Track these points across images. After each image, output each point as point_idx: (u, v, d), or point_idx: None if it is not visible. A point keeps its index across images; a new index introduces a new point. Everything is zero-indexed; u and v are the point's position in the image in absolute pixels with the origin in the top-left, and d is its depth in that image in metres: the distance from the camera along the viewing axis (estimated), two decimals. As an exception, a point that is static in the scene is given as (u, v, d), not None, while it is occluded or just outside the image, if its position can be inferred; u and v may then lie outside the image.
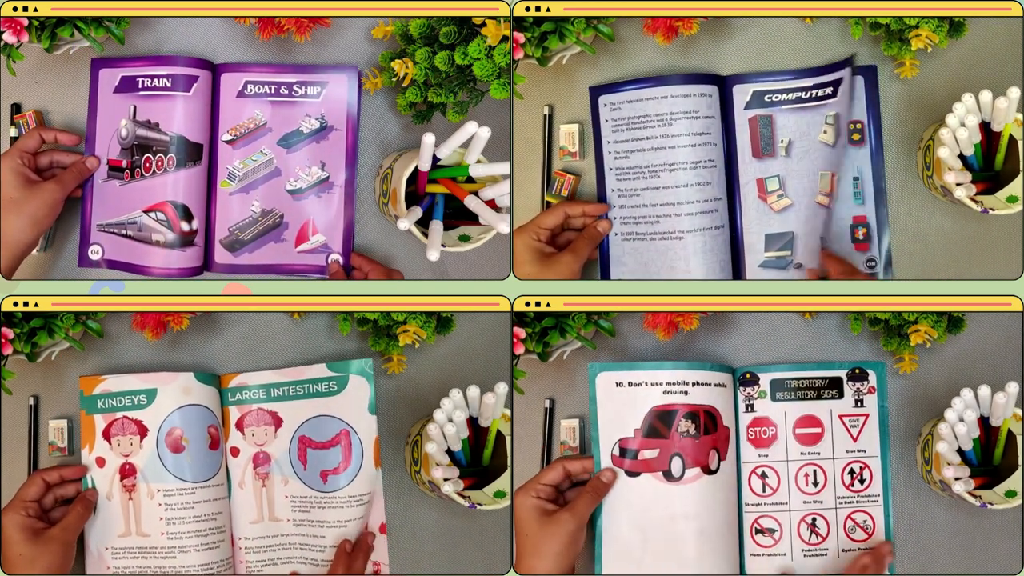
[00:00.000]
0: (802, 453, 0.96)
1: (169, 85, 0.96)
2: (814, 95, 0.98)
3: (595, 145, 0.99)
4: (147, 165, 0.95)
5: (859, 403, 0.97)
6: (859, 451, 0.97)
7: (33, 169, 0.95)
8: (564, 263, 0.94)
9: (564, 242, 0.98)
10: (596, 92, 0.99)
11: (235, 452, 0.97)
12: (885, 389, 0.98)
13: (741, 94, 0.98)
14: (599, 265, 1.00)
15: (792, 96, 0.98)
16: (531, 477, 0.93)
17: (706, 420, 0.94)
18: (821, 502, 0.96)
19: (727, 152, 0.98)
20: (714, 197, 0.97)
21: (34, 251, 0.97)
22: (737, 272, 0.99)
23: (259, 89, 0.98)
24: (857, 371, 0.97)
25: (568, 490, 0.94)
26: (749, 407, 0.97)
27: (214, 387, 0.97)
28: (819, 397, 0.97)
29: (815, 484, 0.96)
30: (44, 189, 0.93)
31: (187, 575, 0.93)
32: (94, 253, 0.97)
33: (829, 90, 0.98)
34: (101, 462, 0.94)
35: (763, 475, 0.96)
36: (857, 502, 0.97)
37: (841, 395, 0.97)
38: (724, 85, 0.98)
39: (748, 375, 0.97)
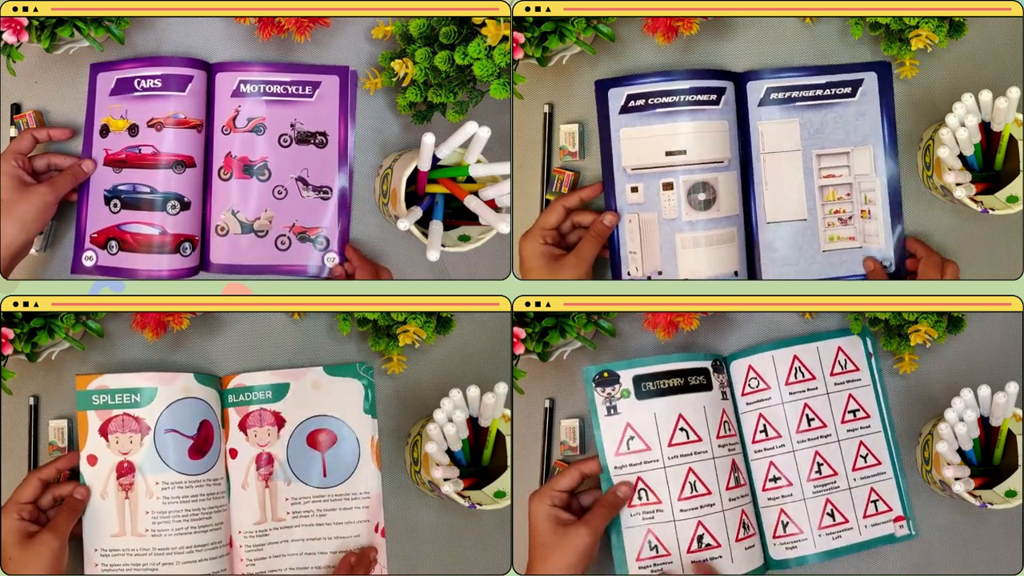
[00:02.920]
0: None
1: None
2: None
3: (601, 140, 0.98)
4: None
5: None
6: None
7: (29, 171, 0.94)
8: (569, 266, 0.93)
9: (576, 240, 0.96)
10: (604, 85, 0.97)
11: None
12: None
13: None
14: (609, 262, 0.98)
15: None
16: (547, 482, 0.93)
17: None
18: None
19: (742, 149, 0.98)
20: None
21: (33, 250, 0.97)
22: (752, 271, 0.98)
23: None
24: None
25: (582, 493, 0.93)
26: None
27: (214, 388, 0.97)
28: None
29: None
30: (35, 192, 0.92)
31: (181, 574, 0.92)
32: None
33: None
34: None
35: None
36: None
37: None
38: (739, 82, 0.98)
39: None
